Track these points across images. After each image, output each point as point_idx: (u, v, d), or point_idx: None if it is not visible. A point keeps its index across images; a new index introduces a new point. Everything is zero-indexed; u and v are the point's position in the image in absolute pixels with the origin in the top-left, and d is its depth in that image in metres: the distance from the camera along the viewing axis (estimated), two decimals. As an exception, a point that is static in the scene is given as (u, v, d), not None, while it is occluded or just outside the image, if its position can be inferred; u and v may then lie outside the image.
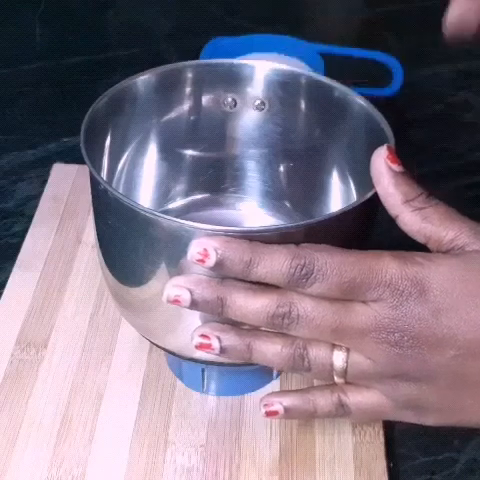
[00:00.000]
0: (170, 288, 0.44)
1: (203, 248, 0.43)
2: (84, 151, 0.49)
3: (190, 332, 0.48)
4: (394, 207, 0.45)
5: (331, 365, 0.44)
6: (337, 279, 0.42)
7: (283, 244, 0.43)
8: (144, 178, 0.61)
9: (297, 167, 0.61)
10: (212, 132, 0.60)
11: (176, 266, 0.46)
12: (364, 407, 0.46)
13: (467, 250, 0.43)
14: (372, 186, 0.46)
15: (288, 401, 0.47)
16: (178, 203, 0.63)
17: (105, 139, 0.55)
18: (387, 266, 0.42)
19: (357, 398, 0.46)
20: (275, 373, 0.59)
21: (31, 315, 0.63)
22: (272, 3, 1.02)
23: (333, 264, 0.42)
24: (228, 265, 0.43)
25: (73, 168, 0.75)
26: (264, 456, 0.55)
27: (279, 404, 0.47)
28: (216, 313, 0.44)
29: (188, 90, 0.58)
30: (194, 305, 0.44)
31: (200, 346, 0.45)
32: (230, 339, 0.45)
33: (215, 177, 0.63)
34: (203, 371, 0.57)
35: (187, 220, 0.45)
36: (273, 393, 0.49)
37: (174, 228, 0.45)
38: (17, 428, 0.56)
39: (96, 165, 0.50)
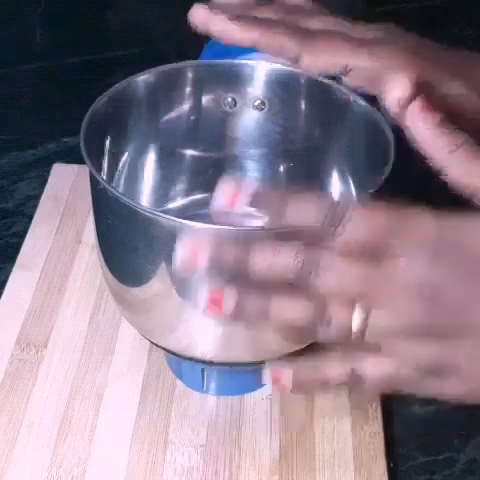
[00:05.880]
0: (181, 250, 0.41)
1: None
2: (84, 151, 0.49)
3: (190, 332, 0.48)
4: (438, 160, 0.43)
5: (352, 319, 0.41)
6: (369, 229, 0.40)
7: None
8: (144, 178, 0.61)
9: (297, 167, 0.61)
10: (212, 132, 0.60)
11: (176, 266, 0.46)
12: (380, 376, 0.43)
13: None
14: (372, 186, 0.46)
15: (298, 372, 0.43)
16: (178, 203, 0.63)
17: (105, 139, 0.55)
18: (426, 221, 0.40)
19: (373, 367, 0.43)
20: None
21: (31, 315, 0.63)
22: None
23: (367, 213, 0.40)
24: (265, 202, 0.41)
25: (73, 168, 0.75)
26: (264, 456, 0.55)
27: (287, 376, 0.43)
28: (240, 267, 0.41)
29: (188, 90, 0.58)
30: (213, 264, 0.41)
31: (212, 301, 0.41)
32: (246, 299, 0.41)
33: (215, 177, 0.63)
34: (203, 371, 0.57)
35: (187, 220, 0.45)
36: (280, 363, 0.44)
37: (174, 228, 0.45)
38: (17, 428, 0.56)
39: (96, 165, 0.50)
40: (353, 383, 0.43)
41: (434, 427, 0.58)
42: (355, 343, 0.42)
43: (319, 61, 0.51)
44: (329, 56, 0.51)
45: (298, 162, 0.61)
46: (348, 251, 0.41)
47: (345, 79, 0.52)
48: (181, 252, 0.41)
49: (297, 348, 0.55)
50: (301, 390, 0.47)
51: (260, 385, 0.58)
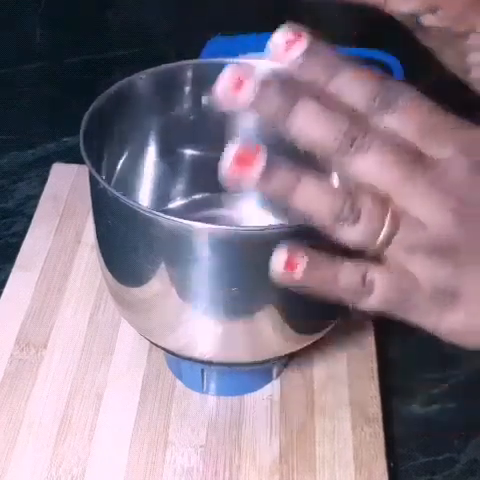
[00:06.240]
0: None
1: (290, 36, 0.38)
2: (84, 151, 0.48)
3: (189, 332, 0.47)
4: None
5: (383, 218, 0.38)
6: (418, 119, 0.38)
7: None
8: (144, 178, 0.61)
9: (297, 167, 0.61)
10: (212, 132, 0.60)
11: (176, 266, 0.46)
12: (390, 288, 0.40)
13: None
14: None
15: (313, 256, 0.39)
16: (178, 203, 0.63)
17: (105, 139, 0.55)
18: (475, 130, 0.39)
19: (386, 275, 0.40)
20: (275, 373, 0.59)
21: (31, 315, 0.63)
22: (272, 3, 1.02)
23: (420, 103, 0.38)
24: (313, 64, 0.38)
25: (73, 168, 0.75)
26: (264, 456, 0.55)
27: (302, 256, 0.39)
28: (279, 121, 0.39)
29: (188, 90, 0.58)
30: (254, 104, 0.39)
31: (237, 160, 0.39)
32: (274, 168, 0.39)
33: (215, 177, 0.62)
34: (203, 371, 0.57)
35: (187, 220, 0.45)
36: (296, 246, 0.40)
37: (174, 228, 0.45)
38: (17, 428, 0.56)
39: (95, 165, 0.50)
40: (360, 292, 0.40)
41: (434, 427, 0.58)
42: (372, 254, 0.39)
43: (409, 1, 0.49)
44: None
45: (298, 162, 0.60)
46: (391, 141, 0.38)
47: (427, 20, 0.50)
48: (225, 81, 0.39)
49: (297, 348, 0.55)
50: (308, 284, 0.41)
51: (260, 385, 0.58)
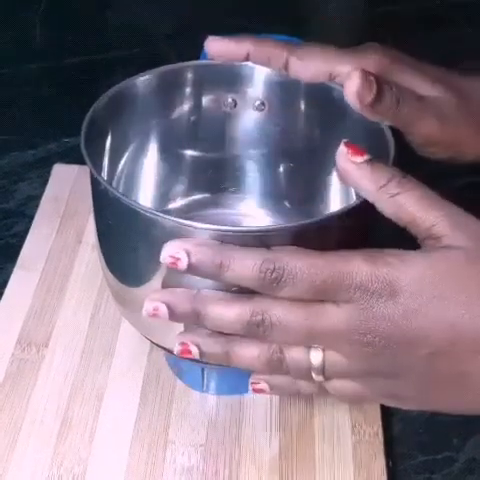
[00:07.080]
0: (147, 302, 0.45)
1: (175, 251, 0.43)
2: (84, 151, 0.49)
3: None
4: (369, 197, 0.45)
5: (309, 365, 0.44)
6: (307, 283, 0.42)
7: (258, 247, 0.43)
8: (144, 178, 0.61)
9: (297, 167, 0.61)
10: (212, 132, 0.61)
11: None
12: (343, 392, 0.46)
13: (442, 245, 0.43)
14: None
15: (275, 381, 0.47)
16: (178, 203, 0.63)
17: (105, 139, 0.55)
18: (357, 268, 0.42)
19: (335, 385, 0.46)
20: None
21: (32, 315, 0.63)
22: (272, 3, 1.02)
23: (303, 268, 0.42)
24: (200, 268, 0.43)
25: (73, 168, 0.76)
26: (264, 455, 0.55)
27: (265, 383, 0.47)
28: (195, 324, 0.45)
29: (188, 90, 0.58)
30: (172, 317, 0.45)
31: (181, 352, 0.46)
32: (208, 346, 0.46)
33: (215, 177, 0.63)
34: (203, 370, 0.57)
35: (187, 220, 0.45)
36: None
37: (174, 228, 0.45)
38: (18, 427, 0.56)
39: (96, 165, 0.50)
40: (321, 394, 0.47)
41: (433, 426, 0.58)
42: (319, 381, 0.45)
43: (307, 68, 0.53)
44: (315, 63, 0.53)
45: (298, 162, 0.61)
46: (291, 304, 0.43)
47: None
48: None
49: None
50: (277, 394, 0.53)
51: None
